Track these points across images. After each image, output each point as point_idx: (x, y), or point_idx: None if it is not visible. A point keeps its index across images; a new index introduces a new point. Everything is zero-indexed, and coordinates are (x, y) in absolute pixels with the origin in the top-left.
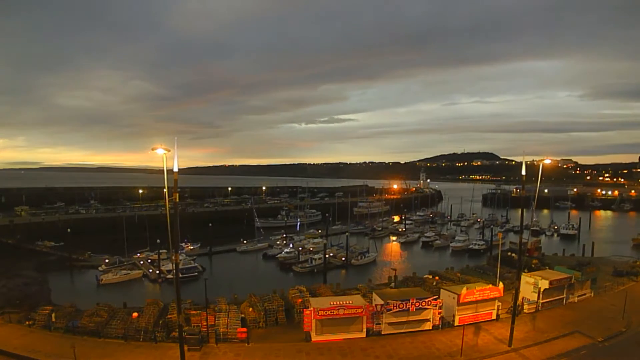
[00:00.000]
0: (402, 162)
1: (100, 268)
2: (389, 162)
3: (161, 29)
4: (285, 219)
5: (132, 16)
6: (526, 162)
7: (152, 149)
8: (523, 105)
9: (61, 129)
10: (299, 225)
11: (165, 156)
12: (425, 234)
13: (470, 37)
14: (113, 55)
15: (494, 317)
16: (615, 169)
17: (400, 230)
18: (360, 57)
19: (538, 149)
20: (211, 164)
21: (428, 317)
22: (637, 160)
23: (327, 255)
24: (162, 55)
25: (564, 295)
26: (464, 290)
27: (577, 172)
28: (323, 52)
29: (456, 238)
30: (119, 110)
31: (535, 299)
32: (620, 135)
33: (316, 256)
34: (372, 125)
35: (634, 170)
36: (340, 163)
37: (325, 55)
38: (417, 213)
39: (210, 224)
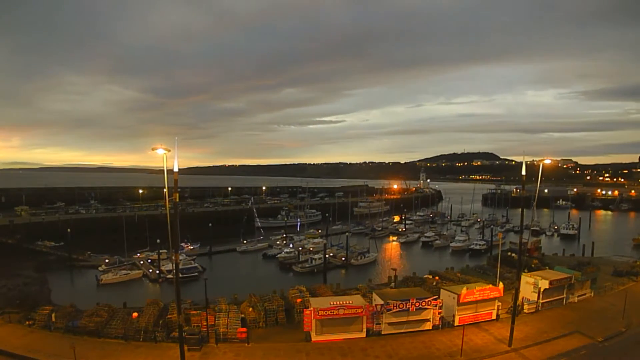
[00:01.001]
0: (402, 162)
1: (100, 268)
2: (388, 162)
3: (116, 39)
4: (285, 219)
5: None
6: (526, 162)
7: (152, 149)
8: (523, 105)
9: (56, 130)
10: (299, 225)
11: (165, 156)
12: (425, 234)
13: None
14: (78, 63)
15: (494, 317)
16: (615, 169)
17: (400, 230)
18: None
19: (538, 149)
20: (208, 164)
21: (428, 317)
22: (637, 160)
23: (327, 255)
24: (126, 62)
25: (564, 295)
26: (464, 290)
27: (577, 172)
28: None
29: (456, 238)
30: (103, 112)
31: (535, 299)
32: (620, 135)
33: (316, 256)
34: (372, 125)
35: (634, 170)
36: (340, 163)
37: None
38: (417, 213)
39: (210, 224)
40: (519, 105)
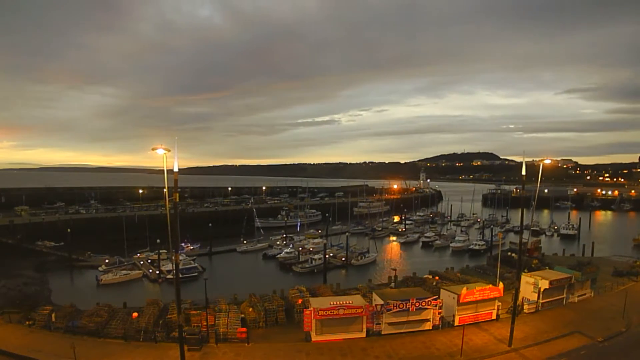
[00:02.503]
0: (402, 162)
1: (100, 268)
2: (388, 162)
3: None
4: (285, 219)
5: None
6: (526, 162)
7: (152, 149)
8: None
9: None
10: (299, 225)
11: (165, 156)
12: (425, 234)
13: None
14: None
15: (494, 317)
16: (615, 169)
17: (400, 230)
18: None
19: (538, 149)
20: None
21: (428, 317)
22: (637, 160)
23: (327, 256)
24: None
25: (564, 295)
26: (464, 290)
27: (577, 172)
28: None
29: (456, 238)
30: (93, 116)
31: (535, 299)
32: (620, 135)
33: (316, 256)
34: (371, 125)
35: (634, 170)
36: (340, 163)
37: None
38: (417, 213)
39: (210, 224)
40: (519, 106)
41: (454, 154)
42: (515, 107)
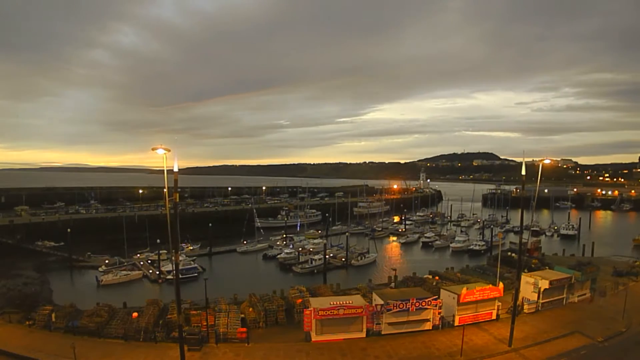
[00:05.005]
0: (402, 162)
1: (100, 269)
2: (388, 162)
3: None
4: (285, 219)
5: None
6: (526, 162)
7: (152, 149)
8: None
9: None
10: (299, 225)
11: (165, 156)
12: (425, 235)
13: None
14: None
15: (494, 317)
16: (615, 169)
17: (400, 230)
18: None
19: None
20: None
21: (428, 317)
22: (637, 160)
23: (327, 256)
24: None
25: (564, 295)
26: (464, 290)
27: (577, 172)
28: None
29: (456, 238)
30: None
31: (535, 299)
32: (620, 135)
33: (316, 257)
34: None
35: (634, 170)
36: (340, 163)
37: None
38: (417, 213)
39: (210, 224)
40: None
41: (454, 154)
42: (516, 106)
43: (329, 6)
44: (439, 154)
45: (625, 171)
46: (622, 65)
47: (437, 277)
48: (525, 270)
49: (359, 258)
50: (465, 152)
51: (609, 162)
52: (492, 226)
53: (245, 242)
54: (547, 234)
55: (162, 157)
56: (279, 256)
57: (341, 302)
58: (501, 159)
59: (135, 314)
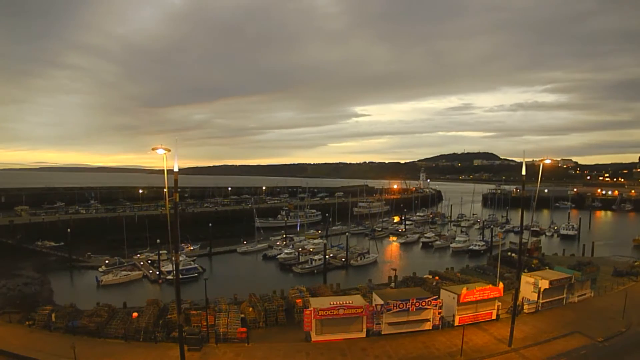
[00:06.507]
0: (402, 162)
1: (100, 269)
2: (388, 162)
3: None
4: (285, 219)
5: None
6: (526, 162)
7: (153, 149)
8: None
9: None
10: (299, 225)
11: (165, 156)
12: (426, 235)
13: None
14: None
15: (494, 317)
16: (615, 169)
17: (400, 230)
18: None
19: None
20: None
21: (428, 317)
22: (637, 160)
23: (327, 256)
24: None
25: (564, 295)
26: (464, 290)
27: (577, 172)
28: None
29: (456, 238)
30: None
31: (535, 299)
32: (621, 135)
33: (316, 257)
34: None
35: (634, 170)
36: (340, 163)
37: None
38: (417, 213)
39: (210, 224)
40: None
41: (454, 154)
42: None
43: None
44: (438, 154)
45: (625, 171)
46: None
47: (437, 277)
48: (525, 270)
49: (359, 258)
50: (465, 152)
51: (609, 162)
52: (492, 226)
53: (245, 242)
54: (547, 234)
55: (161, 157)
56: (279, 256)
57: (341, 302)
58: (501, 159)
59: (135, 314)
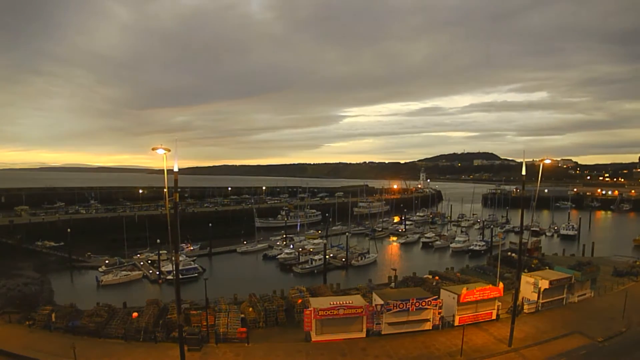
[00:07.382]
0: (402, 162)
1: (100, 269)
2: (388, 162)
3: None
4: (285, 219)
5: None
6: (526, 162)
7: (153, 149)
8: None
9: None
10: (299, 225)
11: (165, 156)
12: (426, 235)
13: None
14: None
15: (494, 317)
16: (615, 169)
17: (400, 230)
18: None
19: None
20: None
21: (428, 317)
22: (637, 160)
23: (327, 256)
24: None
25: (564, 295)
26: (464, 290)
27: (577, 172)
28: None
29: (456, 239)
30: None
31: (535, 299)
32: (621, 135)
33: (316, 257)
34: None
35: (634, 170)
36: (340, 163)
37: None
38: (417, 213)
39: (210, 224)
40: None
41: (454, 154)
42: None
43: None
44: (439, 154)
45: (625, 171)
46: None
47: (437, 277)
48: (525, 270)
49: (359, 258)
50: (465, 152)
51: (609, 162)
52: (492, 226)
53: (245, 242)
54: (547, 234)
55: (162, 157)
56: (279, 256)
57: (341, 302)
58: (501, 159)
59: (135, 314)
